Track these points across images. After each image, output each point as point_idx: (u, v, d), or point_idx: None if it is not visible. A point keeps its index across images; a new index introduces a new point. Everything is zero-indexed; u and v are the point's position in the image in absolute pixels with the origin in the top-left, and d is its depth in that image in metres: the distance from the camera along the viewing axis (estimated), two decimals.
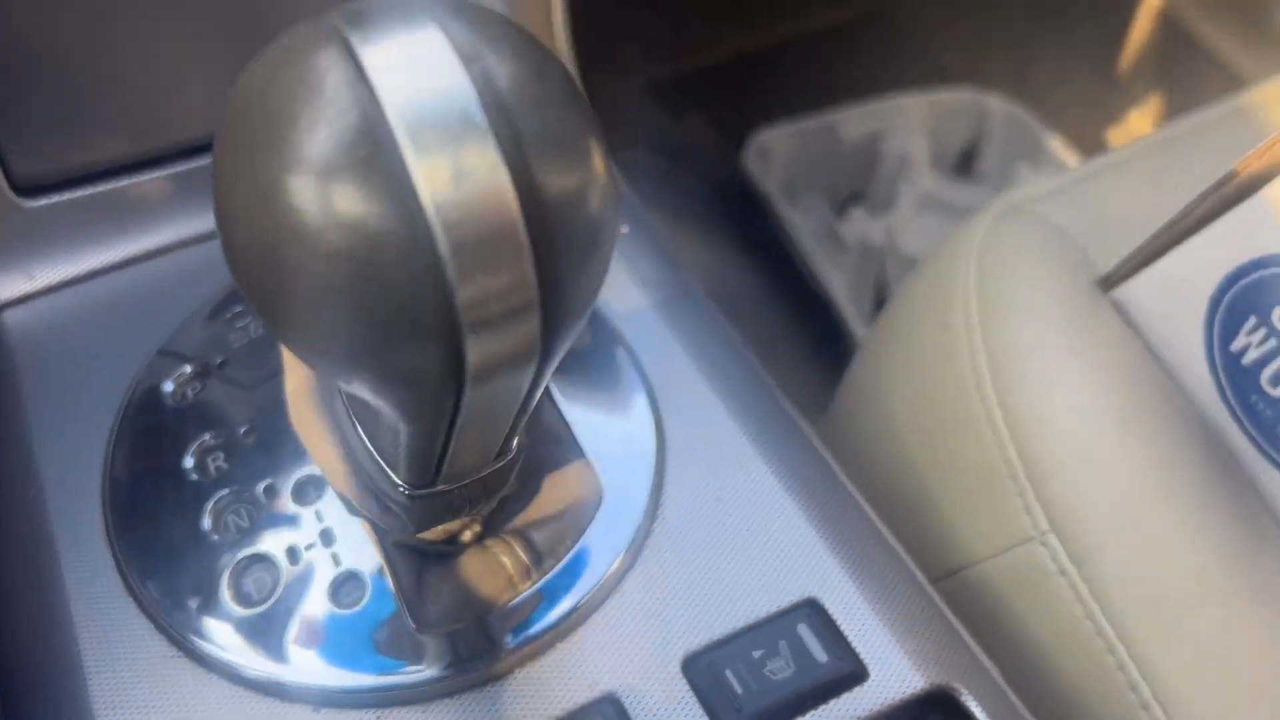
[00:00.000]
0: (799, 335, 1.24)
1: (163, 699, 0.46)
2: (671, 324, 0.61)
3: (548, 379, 0.32)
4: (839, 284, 1.24)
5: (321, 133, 0.24)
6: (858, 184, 1.35)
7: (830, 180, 1.34)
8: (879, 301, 1.25)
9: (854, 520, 0.55)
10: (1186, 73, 1.46)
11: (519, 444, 0.41)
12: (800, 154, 1.32)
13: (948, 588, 0.57)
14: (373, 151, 0.24)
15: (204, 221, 0.62)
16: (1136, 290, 0.61)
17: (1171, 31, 1.47)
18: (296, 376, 0.48)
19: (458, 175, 0.24)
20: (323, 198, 0.24)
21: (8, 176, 0.58)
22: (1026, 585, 0.53)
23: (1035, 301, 0.60)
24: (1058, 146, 1.34)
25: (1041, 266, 0.62)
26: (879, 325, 0.69)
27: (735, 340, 0.63)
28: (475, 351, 0.27)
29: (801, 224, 1.28)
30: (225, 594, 0.48)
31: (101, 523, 0.51)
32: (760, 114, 1.37)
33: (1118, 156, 0.72)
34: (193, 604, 0.48)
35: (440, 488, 0.39)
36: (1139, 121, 1.48)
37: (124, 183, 0.60)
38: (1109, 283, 0.62)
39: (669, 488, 0.54)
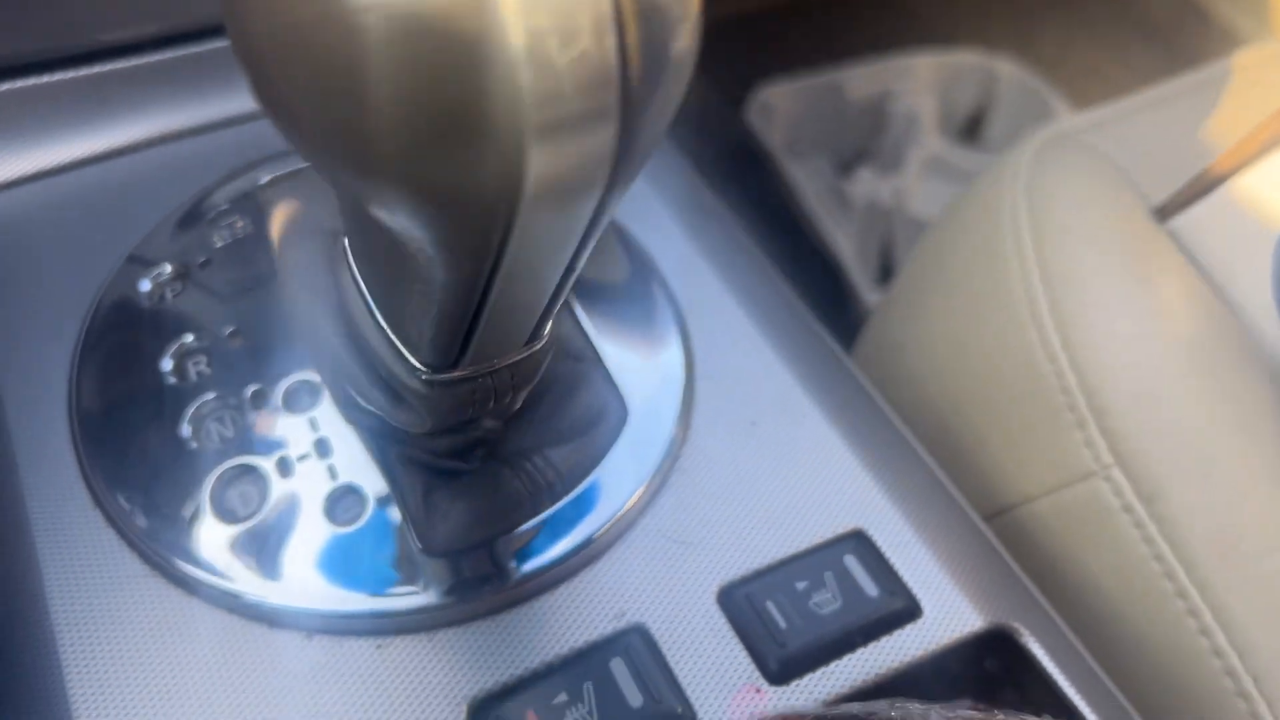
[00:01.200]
0: (803, 296, 1.20)
1: (134, 622, 0.40)
2: (701, 247, 0.56)
3: (603, 227, 0.27)
4: (845, 245, 1.19)
5: None
6: (863, 144, 1.31)
7: (835, 139, 1.29)
8: (885, 263, 1.20)
9: (899, 452, 0.50)
10: (1192, 43, 1.43)
11: (550, 332, 0.36)
12: (805, 111, 1.27)
13: (999, 525, 0.53)
14: None
15: (182, 116, 0.56)
16: (1197, 218, 0.57)
17: (1178, 2, 1.44)
18: (295, 262, 0.43)
19: None
20: None
21: None
22: (1087, 523, 0.49)
23: (1091, 229, 0.55)
24: (1067, 113, 1.30)
25: (1094, 194, 0.57)
26: (915, 257, 0.65)
27: (767, 267, 0.58)
28: (538, 160, 0.22)
29: (805, 183, 1.24)
30: (206, 508, 0.42)
31: (67, 429, 0.45)
32: (761, 74, 1.32)
33: (1160, 93, 0.68)
34: (169, 518, 0.42)
35: (464, 371, 0.34)
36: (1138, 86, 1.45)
37: (94, 70, 0.54)
38: (1166, 212, 0.58)
39: (699, 412, 0.49)
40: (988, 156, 1.30)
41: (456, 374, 0.34)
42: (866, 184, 1.22)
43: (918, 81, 1.30)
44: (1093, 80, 1.47)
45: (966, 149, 1.31)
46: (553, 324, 0.36)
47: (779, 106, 1.26)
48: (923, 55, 1.32)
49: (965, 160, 1.26)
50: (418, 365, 0.34)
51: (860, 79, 1.29)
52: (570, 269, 0.29)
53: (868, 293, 1.16)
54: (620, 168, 0.23)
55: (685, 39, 0.23)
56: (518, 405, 0.40)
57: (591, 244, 0.28)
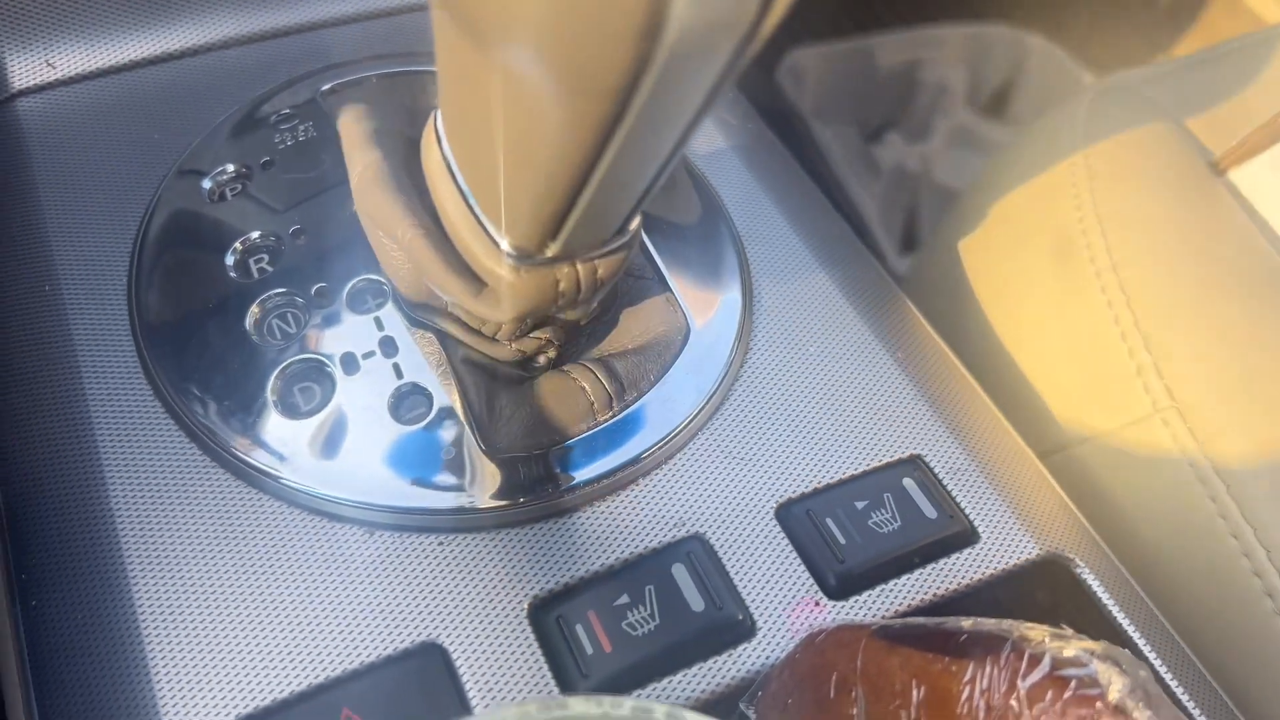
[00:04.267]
0: None
1: (196, 514, 0.40)
2: (760, 179, 0.56)
3: (723, 91, 0.27)
4: (870, 208, 1.19)
5: None
6: (891, 111, 1.30)
7: (863, 105, 1.29)
8: (909, 229, 1.20)
9: (955, 384, 0.50)
10: (1222, 26, 1.43)
11: (636, 228, 0.36)
12: (834, 76, 1.26)
13: (1054, 462, 0.53)
14: None
15: (243, 23, 0.56)
16: (1254, 172, 0.57)
17: None
18: (365, 161, 0.42)
19: None
20: None
21: None
22: (1143, 462, 0.49)
23: (1149, 176, 0.55)
24: None
25: (1152, 144, 0.57)
26: (971, 194, 0.64)
27: (824, 201, 0.58)
28: None
29: (833, 145, 1.23)
30: (270, 402, 0.42)
31: (127, 322, 0.45)
32: (792, 39, 1.31)
33: (1215, 50, 0.68)
34: (231, 411, 0.42)
35: (552, 253, 0.33)
36: None
37: None
38: (1224, 164, 0.58)
39: (758, 335, 0.49)
40: (1015, 128, 1.30)
41: (544, 259, 0.34)
42: (894, 149, 1.22)
43: (947, 52, 1.29)
44: (1121, 59, 1.46)
45: (993, 121, 1.30)
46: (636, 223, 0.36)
47: (809, 69, 1.25)
48: (953, 27, 1.32)
49: (992, 131, 1.26)
50: (506, 248, 0.34)
51: (890, 47, 1.28)
52: (680, 141, 0.29)
53: (893, 257, 1.15)
54: (760, 19, 0.23)
55: None
56: (594, 304, 0.40)
57: (706, 113, 0.28)
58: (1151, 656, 0.42)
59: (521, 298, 0.35)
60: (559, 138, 0.27)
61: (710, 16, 0.22)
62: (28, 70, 0.53)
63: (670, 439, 0.44)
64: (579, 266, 0.35)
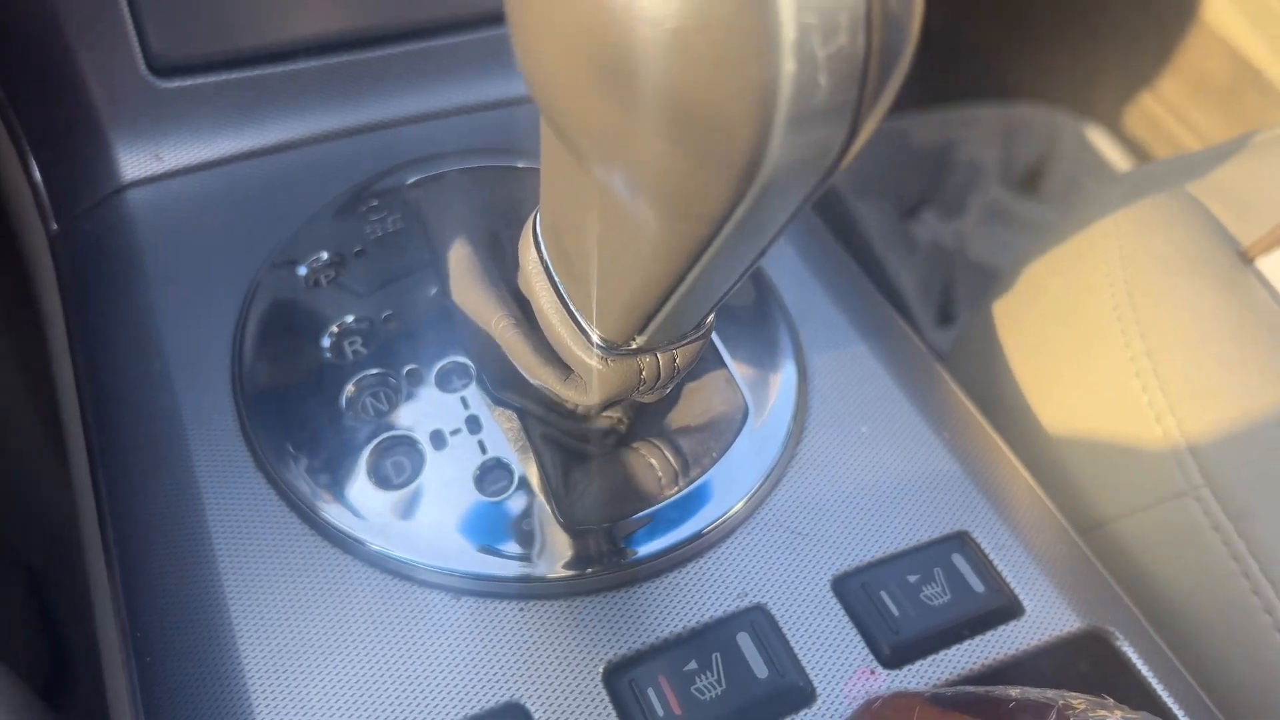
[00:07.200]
0: None
1: (296, 578, 0.44)
2: (809, 263, 0.59)
3: (804, 210, 0.30)
4: (908, 283, 1.23)
5: None
6: (926, 189, 1.34)
7: (899, 182, 1.33)
8: (945, 303, 1.23)
9: (997, 460, 0.53)
10: (1249, 104, 1.46)
11: (713, 321, 0.40)
12: (871, 154, 1.31)
13: (1094, 539, 0.55)
14: None
15: (338, 118, 0.60)
16: None
17: (1231, 58, 1.47)
18: (457, 255, 0.46)
19: None
20: None
21: (145, 55, 0.56)
22: (1178, 539, 0.51)
23: (1180, 262, 0.58)
24: (1126, 168, 1.33)
25: (1183, 231, 0.60)
26: (1009, 275, 0.68)
27: (868, 284, 0.61)
28: (785, 139, 0.25)
29: (870, 221, 1.27)
30: (364, 474, 0.46)
31: (231, 398, 0.49)
32: None
33: (1242, 141, 0.72)
34: (328, 483, 0.46)
35: (637, 345, 0.37)
36: (1199, 148, 1.48)
37: (261, 72, 0.59)
38: (1252, 252, 0.61)
39: (812, 414, 0.52)
40: (1046, 206, 1.34)
41: (630, 349, 0.37)
42: (930, 226, 1.26)
43: (981, 131, 1.34)
44: (1152, 136, 1.50)
45: (1026, 199, 1.34)
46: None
47: None
48: (986, 107, 1.36)
49: (1025, 209, 1.30)
50: (596, 339, 0.37)
51: (925, 126, 1.33)
52: (763, 253, 0.32)
53: (930, 331, 1.19)
54: (844, 154, 0.27)
55: (909, 46, 0.26)
56: (669, 390, 0.44)
57: (788, 226, 0.31)
58: None
59: (608, 384, 0.38)
60: (654, 253, 0.31)
61: (801, 156, 0.26)
62: (137, 163, 0.57)
63: (732, 514, 0.47)
64: (659, 356, 0.38)
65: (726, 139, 0.25)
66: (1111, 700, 0.39)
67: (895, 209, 1.32)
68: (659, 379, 0.39)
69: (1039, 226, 1.33)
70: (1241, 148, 0.68)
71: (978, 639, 0.45)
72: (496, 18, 0.62)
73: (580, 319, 0.37)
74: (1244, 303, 0.57)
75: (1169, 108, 1.48)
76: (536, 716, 0.41)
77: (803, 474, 0.50)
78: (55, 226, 0.58)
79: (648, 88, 0.24)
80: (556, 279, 0.38)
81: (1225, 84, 1.49)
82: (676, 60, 0.24)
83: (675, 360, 0.39)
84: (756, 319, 0.55)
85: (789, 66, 0.24)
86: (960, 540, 0.48)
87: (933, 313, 1.22)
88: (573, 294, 0.37)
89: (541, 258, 0.38)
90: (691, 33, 0.23)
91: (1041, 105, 1.39)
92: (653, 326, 0.35)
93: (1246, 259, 0.61)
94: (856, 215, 1.28)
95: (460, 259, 0.46)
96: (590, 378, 0.39)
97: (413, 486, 0.45)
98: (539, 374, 0.41)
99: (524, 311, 0.43)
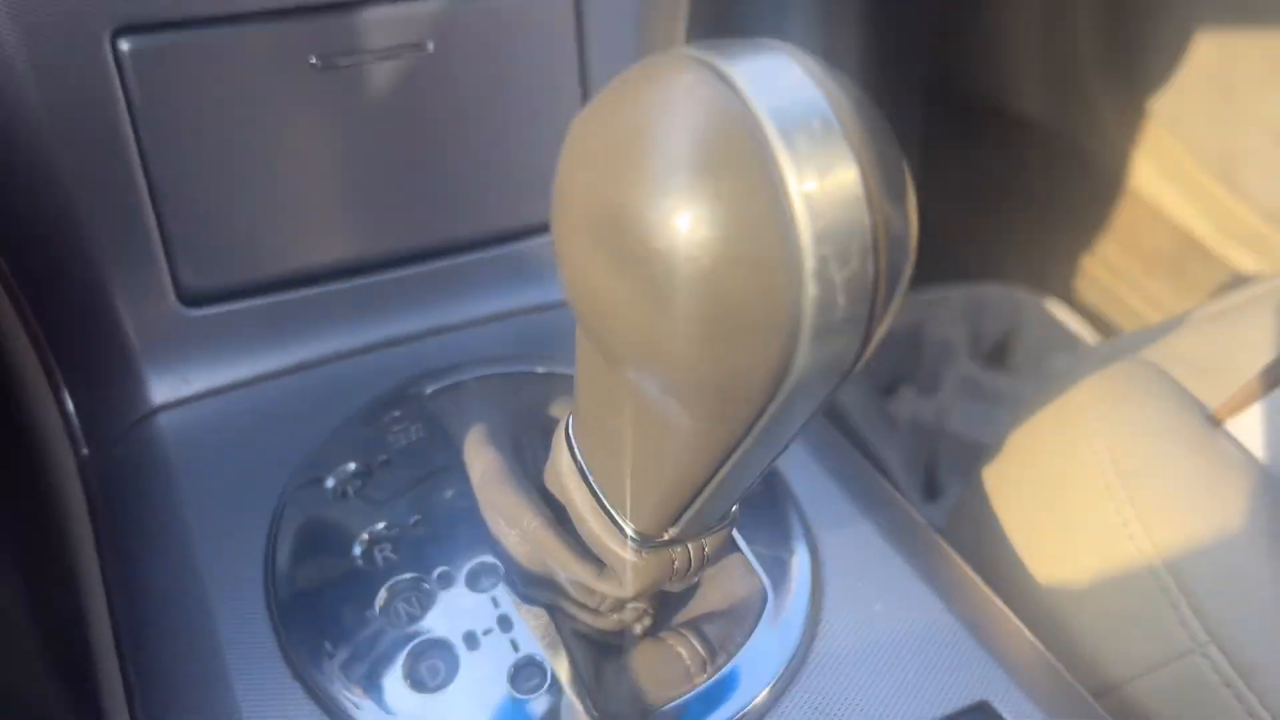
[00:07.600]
0: None
1: None
2: (810, 446, 0.63)
3: (821, 409, 0.34)
4: (892, 460, 1.26)
5: (708, 135, 0.27)
6: (900, 369, 1.40)
7: (874, 362, 1.38)
8: (931, 477, 1.26)
9: (1007, 629, 0.55)
10: (1199, 276, 1.54)
11: (736, 512, 0.42)
12: None
13: (1110, 703, 0.56)
14: (753, 149, 0.27)
15: (359, 335, 0.64)
16: (1252, 420, 0.63)
17: (1176, 234, 1.56)
18: (484, 462, 0.49)
19: (822, 172, 0.27)
20: (712, 188, 0.27)
21: (176, 287, 0.60)
22: (1192, 697, 0.53)
23: (1155, 429, 0.62)
24: (1088, 339, 1.40)
25: (1157, 399, 0.64)
26: (995, 451, 0.71)
27: (867, 463, 0.64)
28: (808, 352, 0.28)
29: (850, 401, 1.32)
30: (400, 678, 0.47)
31: (265, 612, 0.50)
32: None
33: (1195, 313, 0.77)
34: (365, 689, 0.47)
35: (670, 536, 0.39)
36: (1154, 316, 1.55)
37: (283, 298, 0.63)
38: (1221, 414, 0.65)
39: (828, 595, 0.54)
40: (1014, 378, 1.39)
41: (663, 541, 0.40)
42: (908, 402, 1.30)
43: (948, 311, 1.41)
44: (1110, 307, 1.58)
45: (997, 372, 1.40)
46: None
47: None
48: (951, 288, 1.43)
49: (995, 382, 1.35)
50: (630, 532, 0.40)
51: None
52: (786, 446, 0.35)
53: (918, 505, 1.21)
54: (859, 358, 0.30)
55: (910, 261, 0.30)
56: (697, 579, 0.46)
57: (807, 425, 0.35)
58: None
59: (643, 576, 0.41)
60: (689, 452, 0.34)
61: (824, 362, 0.29)
62: (167, 388, 0.61)
63: (760, 699, 0.48)
64: (690, 546, 0.41)
65: (759, 352, 0.29)
66: None
67: (874, 388, 1.37)
68: (690, 568, 0.41)
69: (1012, 398, 1.38)
70: (1194, 320, 0.73)
71: None
72: (507, 237, 0.67)
73: (615, 515, 0.40)
74: (1223, 463, 0.60)
75: (1124, 280, 1.56)
76: None
77: (825, 655, 0.51)
78: (86, 451, 0.61)
79: (688, 311, 0.28)
80: (591, 478, 0.40)
81: (1173, 257, 1.58)
82: (714, 289, 0.27)
83: (704, 549, 0.41)
84: (765, 502, 0.57)
85: (811, 291, 0.27)
86: (982, 711, 0.49)
87: (919, 486, 1.25)
88: (608, 491, 0.40)
89: (575, 460, 0.41)
90: (728, 265, 0.27)
91: (1002, 283, 1.47)
92: (686, 518, 0.38)
93: (1216, 421, 0.65)
94: (838, 396, 1.32)
95: (485, 462, 0.49)
96: (626, 571, 0.41)
97: (449, 688, 0.46)
98: (574, 570, 0.43)
99: (553, 510, 0.46)
